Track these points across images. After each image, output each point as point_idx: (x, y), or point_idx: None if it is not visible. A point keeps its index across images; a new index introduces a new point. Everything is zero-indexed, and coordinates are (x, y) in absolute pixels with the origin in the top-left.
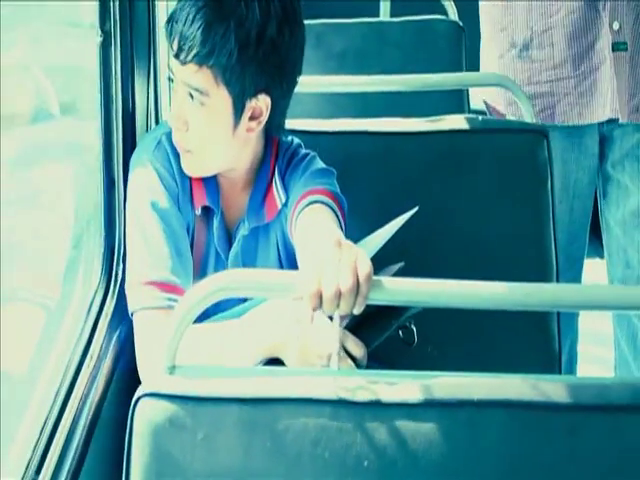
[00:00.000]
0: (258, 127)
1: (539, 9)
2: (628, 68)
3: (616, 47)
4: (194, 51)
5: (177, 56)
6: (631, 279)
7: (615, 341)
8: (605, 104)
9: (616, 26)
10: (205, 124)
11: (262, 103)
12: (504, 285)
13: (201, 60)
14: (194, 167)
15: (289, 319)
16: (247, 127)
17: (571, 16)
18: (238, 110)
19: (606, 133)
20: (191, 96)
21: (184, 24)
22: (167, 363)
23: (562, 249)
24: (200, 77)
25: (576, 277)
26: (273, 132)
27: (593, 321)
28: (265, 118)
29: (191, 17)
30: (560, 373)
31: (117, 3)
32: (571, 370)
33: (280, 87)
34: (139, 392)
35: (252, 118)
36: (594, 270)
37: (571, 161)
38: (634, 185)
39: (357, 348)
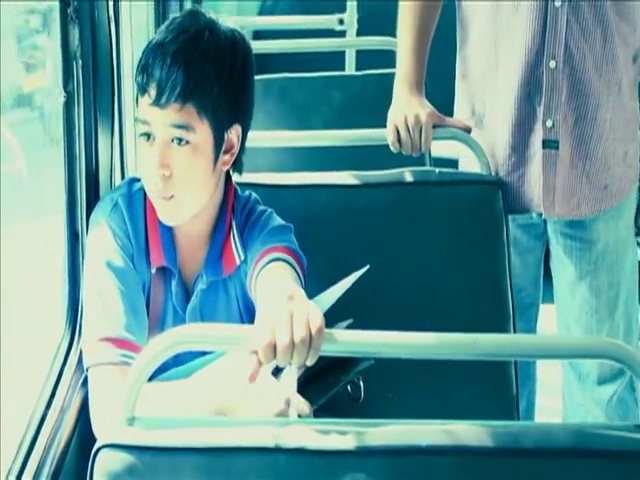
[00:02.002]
0: (231, 159)
1: (490, 83)
2: (563, 166)
3: (547, 144)
4: (177, 90)
5: (157, 100)
6: None
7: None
8: (532, 198)
9: (549, 123)
10: (190, 163)
11: (234, 135)
12: (448, 336)
13: (185, 97)
14: (175, 213)
15: (239, 379)
16: (223, 161)
17: (511, 103)
18: (218, 143)
19: None
20: (172, 140)
21: (162, 69)
22: (126, 414)
23: None
24: (184, 114)
25: (527, 325)
26: (235, 167)
27: (553, 373)
28: (237, 150)
29: (168, 61)
30: (517, 415)
31: (80, 64)
32: (528, 419)
33: (246, 117)
34: (98, 444)
35: (226, 152)
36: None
37: (509, 220)
38: (568, 259)
39: (302, 406)
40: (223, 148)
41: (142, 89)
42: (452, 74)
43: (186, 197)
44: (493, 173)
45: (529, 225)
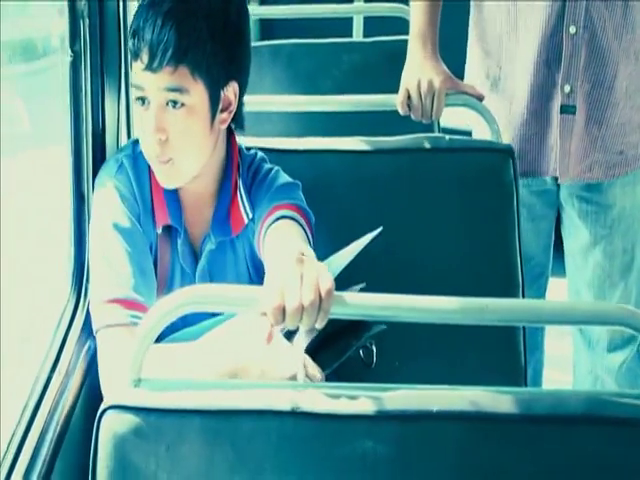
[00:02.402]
0: (229, 117)
1: (507, 47)
2: (578, 130)
3: (564, 109)
4: (169, 52)
5: (150, 65)
6: None
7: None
8: (549, 162)
9: (567, 89)
10: (186, 126)
11: (231, 92)
12: (460, 300)
13: (178, 59)
14: (174, 176)
15: (249, 343)
16: (220, 119)
17: (529, 67)
18: (214, 102)
19: None
20: (167, 103)
21: (153, 31)
22: (132, 376)
23: None
24: (177, 77)
25: (537, 295)
26: (236, 124)
27: (562, 346)
28: (235, 107)
29: (159, 22)
30: (525, 383)
31: (87, 23)
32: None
33: (243, 73)
34: (104, 404)
35: (223, 110)
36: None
37: (522, 185)
38: (582, 223)
39: (314, 372)
40: (220, 107)
41: (134, 54)
42: (462, 37)
43: (184, 160)
44: (510, 137)
45: (543, 191)
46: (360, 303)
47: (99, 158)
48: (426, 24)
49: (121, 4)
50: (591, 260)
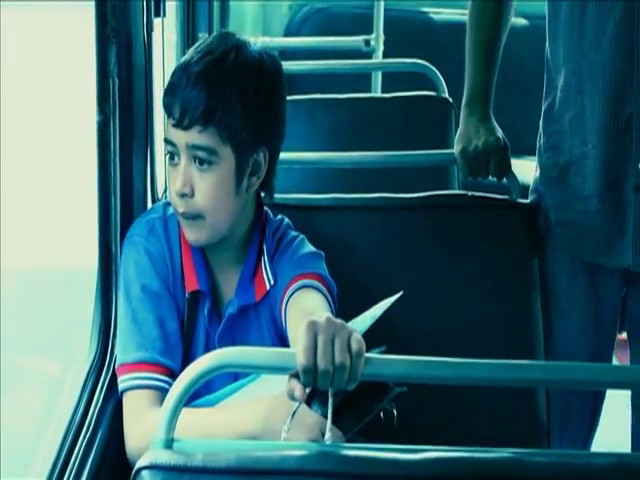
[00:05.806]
0: (257, 182)
1: (579, 135)
2: None
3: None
4: (199, 110)
5: (180, 122)
6: None
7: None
8: (627, 249)
9: None
10: (212, 184)
11: (261, 157)
12: (491, 362)
13: (207, 119)
14: (199, 234)
15: (273, 406)
16: (248, 184)
17: (601, 146)
18: (241, 166)
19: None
20: (195, 160)
21: (185, 89)
22: (165, 436)
23: None
24: (206, 137)
25: None
26: (266, 191)
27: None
28: (264, 173)
29: (192, 81)
30: (548, 446)
31: (117, 83)
32: None
33: (274, 140)
34: (139, 464)
35: (251, 174)
36: None
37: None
38: None
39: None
40: (248, 171)
41: (167, 110)
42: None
43: (209, 218)
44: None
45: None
46: (391, 365)
47: (127, 216)
48: (483, 90)
49: (148, 64)
50: None
